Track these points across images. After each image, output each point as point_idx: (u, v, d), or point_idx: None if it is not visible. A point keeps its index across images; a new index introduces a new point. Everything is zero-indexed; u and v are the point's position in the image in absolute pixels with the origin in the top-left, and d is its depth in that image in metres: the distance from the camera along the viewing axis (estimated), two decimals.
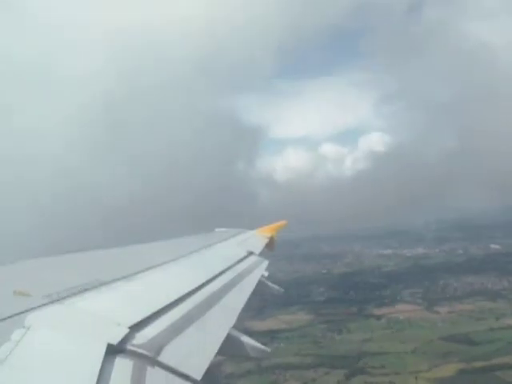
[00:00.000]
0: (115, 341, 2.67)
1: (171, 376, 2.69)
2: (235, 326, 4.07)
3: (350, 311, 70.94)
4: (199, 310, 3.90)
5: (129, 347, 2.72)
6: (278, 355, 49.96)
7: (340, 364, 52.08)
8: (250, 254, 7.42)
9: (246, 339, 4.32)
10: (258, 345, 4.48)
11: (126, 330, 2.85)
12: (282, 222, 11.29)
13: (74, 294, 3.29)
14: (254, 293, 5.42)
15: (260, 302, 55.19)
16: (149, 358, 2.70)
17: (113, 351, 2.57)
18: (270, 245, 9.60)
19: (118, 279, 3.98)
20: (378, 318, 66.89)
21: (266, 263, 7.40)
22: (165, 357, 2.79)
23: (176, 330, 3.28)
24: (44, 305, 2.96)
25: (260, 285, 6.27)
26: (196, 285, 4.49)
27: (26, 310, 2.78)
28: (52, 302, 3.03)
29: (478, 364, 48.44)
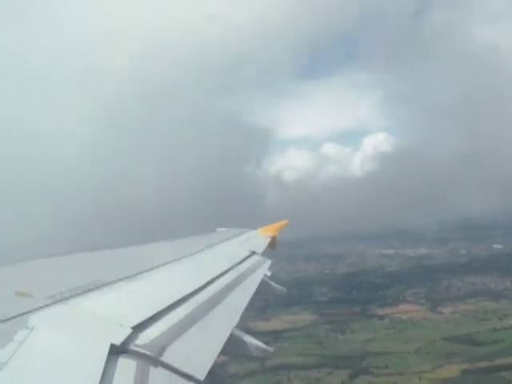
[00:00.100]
0: (118, 341, 2.66)
1: (174, 376, 2.68)
2: (238, 326, 4.06)
3: (353, 311, 70.88)
4: (202, 309, 3.90)
5: (132, 347, 2.71)
6: (281, 355, 50.00)
7: (343, 364, 52.05)
8: (253, 253, 7.41)
9: (248, 339, 4.32)
10: (261, 344, 4.48)
11: (129, 331, 2.85)
12: (284, 222, 11.28)
13: (77, 295, 3.28)
14: (257, 292, 5.42)
15: (263, 302, 55.21)
16: (152, 359, 2.69)
17: (116, 351, 2.57)
18: (273, 244, 9.60)
19: (121, 279, 3.98)
20: (381, 318, 66.82)
21: (268, 263, 7.40)
22: (168, 357, 2.78)
23: (179, 330, 3.27)
24: (47, 305, 2.95)
25: (263, 284, 6.27)
26: (199, 285, 4.48)
27: (29, 311, 2.77)
28: (55, 303, 3.03)
29: (482, 364, 48.32)
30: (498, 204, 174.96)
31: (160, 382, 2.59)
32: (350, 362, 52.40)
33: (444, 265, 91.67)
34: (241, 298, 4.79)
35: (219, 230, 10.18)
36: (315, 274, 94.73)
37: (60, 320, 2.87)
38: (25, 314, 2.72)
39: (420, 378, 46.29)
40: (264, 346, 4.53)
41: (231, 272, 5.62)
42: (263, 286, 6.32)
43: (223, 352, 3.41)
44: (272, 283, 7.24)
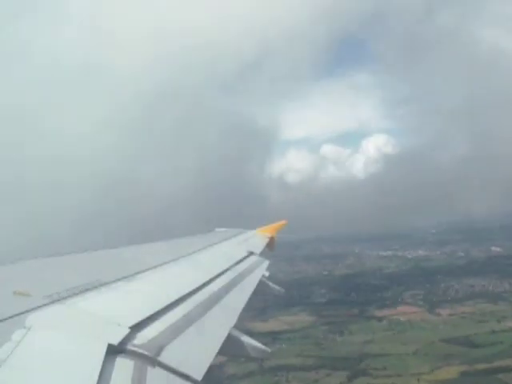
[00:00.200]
0: (116, 341, 2.66)
1: (172, 376, 2.68)
2: (236, 327, 4.06)
3: (351, 313, 70.79)
4: (200, 310, 3.90)
5: (129, 347, 2.71)
6: (279, 356, 49.94)
7: (342, 365, 52.01)
8: (251, 253, 7.41)
9: (246, 339, 4.32)
10: (259, 345, 4.48)
11: (127, 330, 2.85)
12: (282, 222, 11.27)
13: (75, 295, 3.28)
14: (255, 293, 5.42)
15: (261, 303, 55.16)
16: (149, 358, 2.69)
17: (113, 351, 2.57)
18: (271, 245, 9.60)
19: (119, 279, 3.98)
20: (380, 319, 66.76)
21: (266, 263, 7.40)
22: (165, 357, 2.78)
23: (177, 330, 3.27)
24: (44, 305, 2.96)
25: (261, 285, 6.27)
26: (197, 285, 4.48)
27: (27, 311, 2.77)
28: (52, 303, 3.03)
29: (480, 366, 48.33)
30: (498, 206, 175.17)
31: (157, 381, 2.59)
32: (349, 363, 52.37)
33: (442, 267, 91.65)
34: (239, 299, 4.79)
35: (218, 230, 10.18)
36: (314, 275, 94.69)
37: (58, 320, 2.87)
38: (22, 313, 2.72)
39: (418, 380, 46.28)
40: (261, 346, 4.53)
41: (229, 272, 5.62)
42: (261, 287, 6.32)
43: (221, 352, 3.41)
44: (270, 284, 7.24)
